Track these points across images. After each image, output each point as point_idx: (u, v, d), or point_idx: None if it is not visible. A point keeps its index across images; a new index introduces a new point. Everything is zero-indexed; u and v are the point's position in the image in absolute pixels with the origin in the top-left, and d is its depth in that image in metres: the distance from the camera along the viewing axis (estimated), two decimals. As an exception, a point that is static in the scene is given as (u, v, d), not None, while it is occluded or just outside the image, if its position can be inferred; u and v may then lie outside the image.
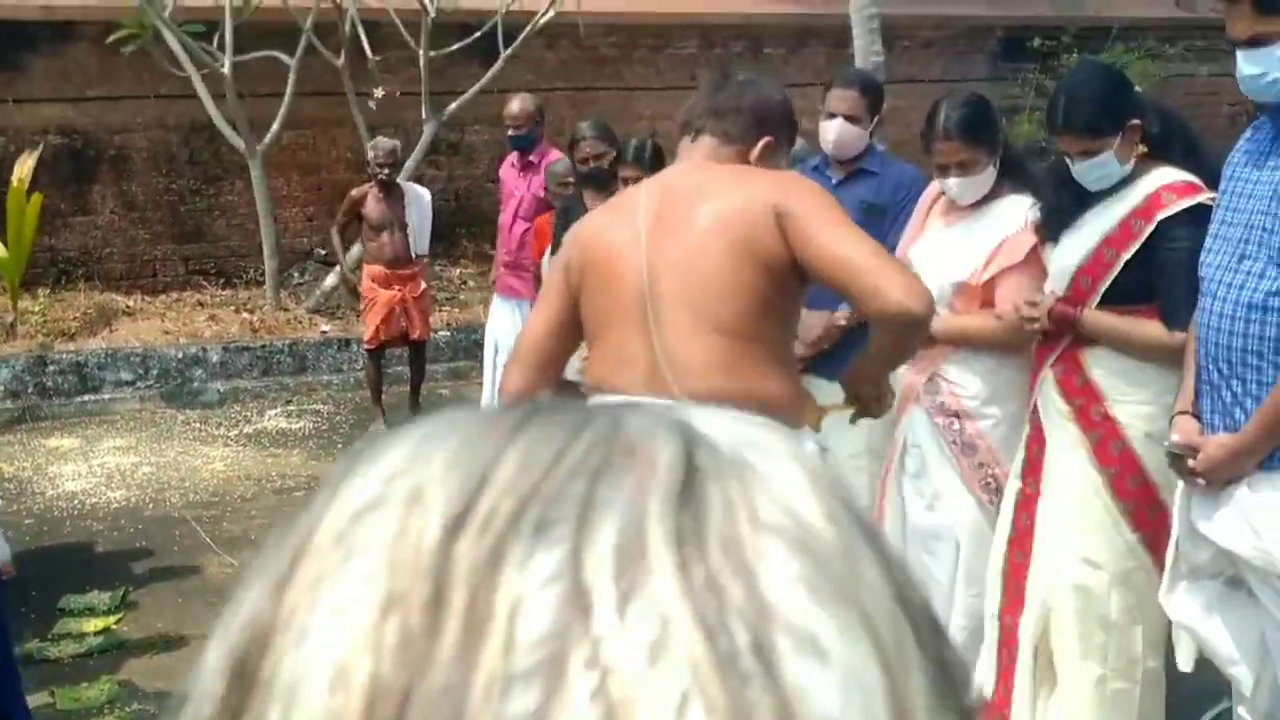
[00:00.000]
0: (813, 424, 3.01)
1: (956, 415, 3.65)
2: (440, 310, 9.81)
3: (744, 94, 2.79)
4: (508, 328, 7.25)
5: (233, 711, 0.36)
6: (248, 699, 0.36)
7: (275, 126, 9.60)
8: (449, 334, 9.37)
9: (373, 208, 7.46)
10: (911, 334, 2.54)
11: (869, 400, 2.87)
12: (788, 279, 2.53)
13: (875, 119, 4.18)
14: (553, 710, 0.32)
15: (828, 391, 4.20)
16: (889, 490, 3.88)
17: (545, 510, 0.35)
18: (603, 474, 0.36)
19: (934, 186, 3.86)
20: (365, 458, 0.39)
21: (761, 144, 2.75)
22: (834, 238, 2.48)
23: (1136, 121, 3.14)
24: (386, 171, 7.45)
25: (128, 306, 10.12)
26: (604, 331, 2.65)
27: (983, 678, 3.69)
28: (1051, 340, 3.33)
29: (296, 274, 11.26)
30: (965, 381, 3.64)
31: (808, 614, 0.34)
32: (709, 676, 0.32)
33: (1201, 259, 2.86)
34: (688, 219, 2.58)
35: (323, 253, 11.12)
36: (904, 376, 3.80)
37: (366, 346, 7.76)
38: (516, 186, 7.13)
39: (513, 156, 7.23)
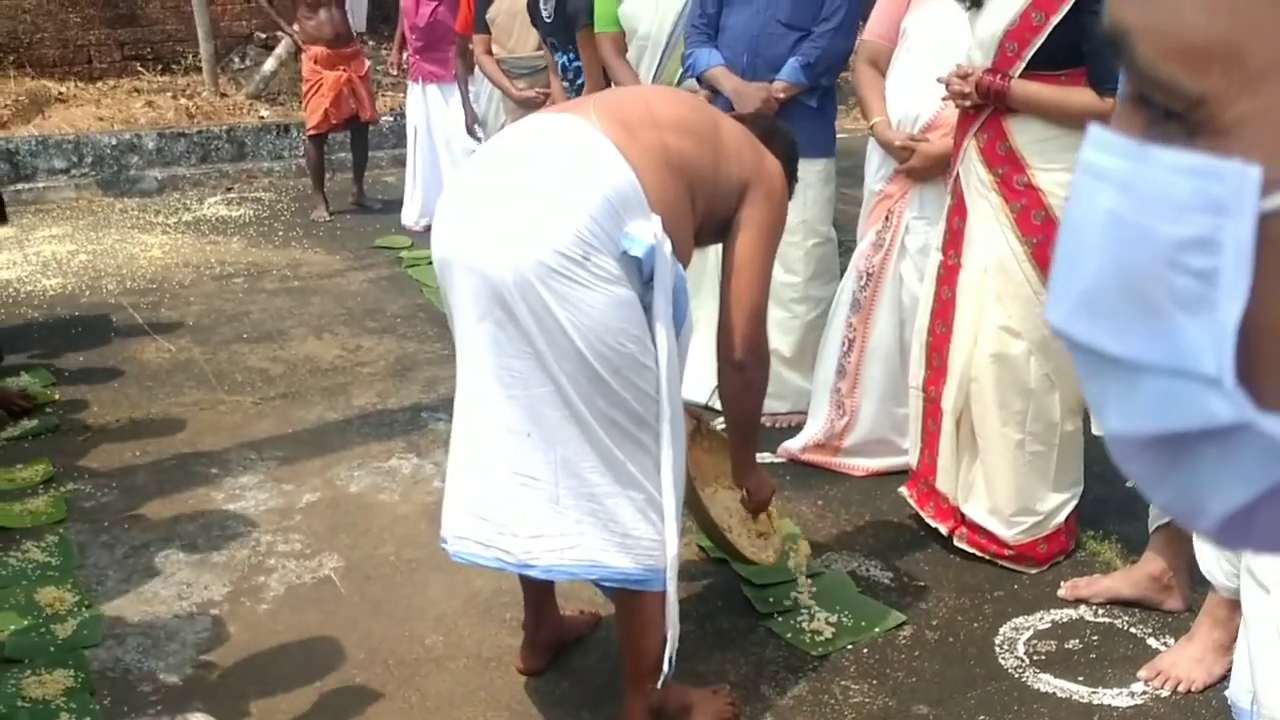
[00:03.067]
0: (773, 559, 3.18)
1: None
2: (384, 95, 9.58)
3: (771, 121, 3.16)
4: (423, 113, 7.13)
5: None
6: None
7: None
8: (392, 119, 9.14)
9: (305, -17, 7.16)
10: (735, 375, 2.70)
11: (752, 489, 3.01)
12: (718, 200, 2.62)
13: None
14: None
15: None
16: (886, 272, 3.95)
17: None
18: None
19: None
20: None
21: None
22: (754, 247, 2.65)
23: None
24: (311, -58, 7.11)
25: (61, 93, 9.83)
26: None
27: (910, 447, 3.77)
28: (975, 109, 3.26)
29: (236, 59, 10.93)
30: None
31: None
32: None
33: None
34: (700, 108, 2.75)
35: (263, 36, 10.80)
36: (883, 188, 3.93)
37: (312, 132, 7.51)
38: None
39: None
